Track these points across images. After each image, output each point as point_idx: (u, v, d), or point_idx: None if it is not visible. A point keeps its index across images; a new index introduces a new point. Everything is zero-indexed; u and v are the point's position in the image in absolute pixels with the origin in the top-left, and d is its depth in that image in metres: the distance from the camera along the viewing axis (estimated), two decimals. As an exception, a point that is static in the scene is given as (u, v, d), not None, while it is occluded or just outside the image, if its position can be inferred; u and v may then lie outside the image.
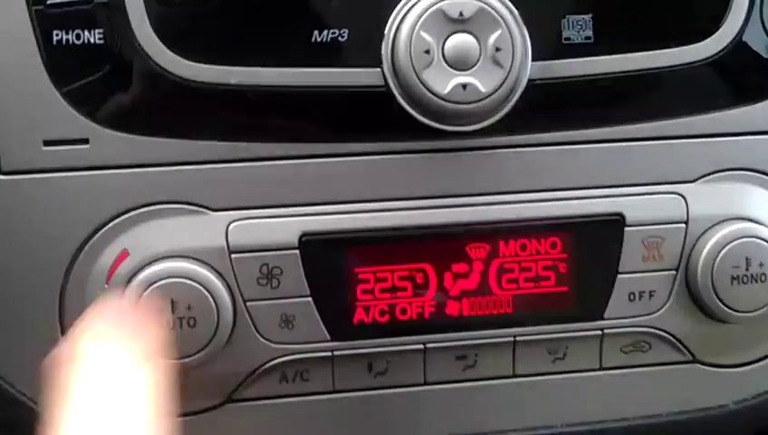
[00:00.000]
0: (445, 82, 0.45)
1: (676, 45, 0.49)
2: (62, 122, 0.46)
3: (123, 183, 0.46)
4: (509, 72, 0.46)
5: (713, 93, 0.50)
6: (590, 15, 0.48)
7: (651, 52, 0.49)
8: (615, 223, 0.49)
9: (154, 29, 0.45)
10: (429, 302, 0.49)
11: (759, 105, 0.51)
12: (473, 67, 0.45)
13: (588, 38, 0.48)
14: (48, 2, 0.45)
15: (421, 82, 0.45)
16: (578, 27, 0.48)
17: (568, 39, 0.48)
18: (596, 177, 0.50)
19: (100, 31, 0.45)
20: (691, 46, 0.49)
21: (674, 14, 0.49)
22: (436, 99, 0.45)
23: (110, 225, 0.47)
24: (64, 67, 0.45)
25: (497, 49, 0.45)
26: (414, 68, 0.45)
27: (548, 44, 0.48)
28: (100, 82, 0.46)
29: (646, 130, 0.50)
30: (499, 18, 0.45)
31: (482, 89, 0.45)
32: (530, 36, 0.46)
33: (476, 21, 0.45)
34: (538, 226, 0.49)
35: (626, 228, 0.49)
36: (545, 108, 0.48)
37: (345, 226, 0.48)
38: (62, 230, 0.46)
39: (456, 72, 0.45)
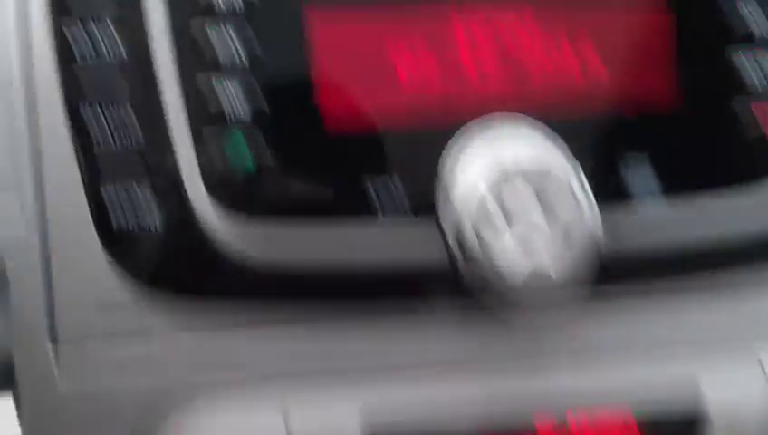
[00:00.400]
0: (513, 264, 0.42)
1: (746, 185, 0.46)
2: (112, 286, 0.44)
3: (173, 352, 0.45)
4: (578, 245, 0.43)
5: None
6: (651, 162, 0.45)
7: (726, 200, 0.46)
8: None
9: (211, 204, 0.44)
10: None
11: None
12: (541, 243, 0.42)
13: (653, 189, 0.45)
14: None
15: (491, 263, 0.42)
16: (641, 176, 0.45)
17: (631, 191, 0.45)
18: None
19: (156, 199, 0.44)
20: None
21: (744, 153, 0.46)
22: (502, 280, 0.43)
23: (159, 402, 0.45)
24: (115, 232, 0.44)
25: (566, 222, 0.42)
26: (480, 243, 0.42)
27: (610, 199, 0.45)
28: (152, 249, 0.44)
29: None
30: (566, 184, 0.42)
31: (551, 271, 0.42)
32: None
33: (542, 187, 0.43)
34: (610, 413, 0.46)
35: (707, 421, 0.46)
36: (613, 276, 0.45)
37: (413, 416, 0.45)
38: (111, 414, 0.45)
39: (524, 251, 0.42)
